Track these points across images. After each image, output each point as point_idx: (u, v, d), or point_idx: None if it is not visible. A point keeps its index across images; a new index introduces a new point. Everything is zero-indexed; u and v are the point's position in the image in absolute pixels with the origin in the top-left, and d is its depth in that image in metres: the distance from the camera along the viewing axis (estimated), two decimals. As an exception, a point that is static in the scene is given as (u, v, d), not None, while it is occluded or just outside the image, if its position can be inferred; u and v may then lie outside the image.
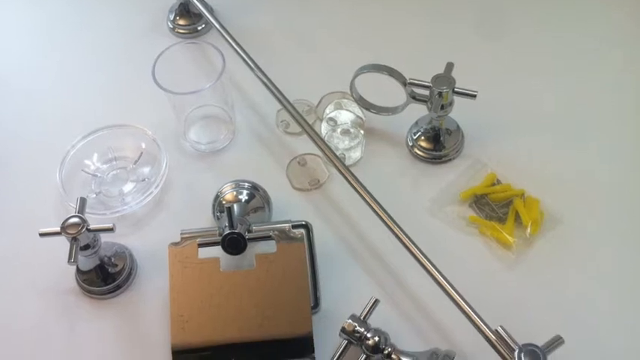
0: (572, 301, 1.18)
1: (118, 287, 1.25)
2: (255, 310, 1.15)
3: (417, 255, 1.13)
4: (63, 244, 1.16)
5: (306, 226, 1.26)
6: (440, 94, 1.27)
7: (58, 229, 1.15)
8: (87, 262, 1.23)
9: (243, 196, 1.26)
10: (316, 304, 1.20)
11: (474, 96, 1.26)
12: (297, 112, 1.32)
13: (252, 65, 1.38)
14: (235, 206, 1.23)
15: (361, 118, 1.41)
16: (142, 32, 1.63)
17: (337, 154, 1.28)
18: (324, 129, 1.40)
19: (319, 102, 1.44)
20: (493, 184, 1.31)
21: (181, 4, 1.60)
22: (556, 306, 1.18)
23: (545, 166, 1.34)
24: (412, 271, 1.15)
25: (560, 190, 1.30)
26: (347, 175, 1.23)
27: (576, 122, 1.39)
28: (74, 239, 1.15)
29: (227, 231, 1.15)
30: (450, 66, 1.28)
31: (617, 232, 1.26)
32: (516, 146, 1.37)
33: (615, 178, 1.32)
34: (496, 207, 1.28)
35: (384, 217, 1.18)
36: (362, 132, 1.38)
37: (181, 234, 1.20)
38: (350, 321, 1.09)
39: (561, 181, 1.31)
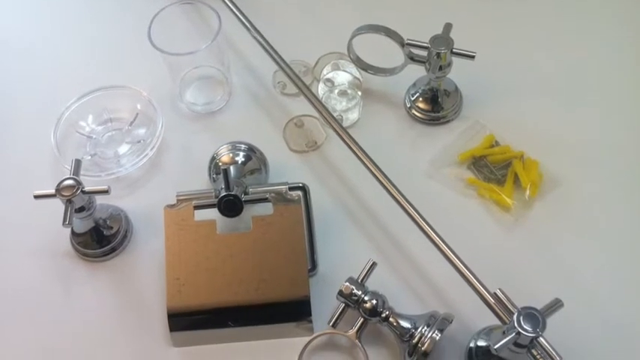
0: (571, 263, 1.18)
1: (113, 250, 1.25)
2: (252, 273, 1.14)
3: (414, 217, 1.13)
4: (58, 206, 1.15)
5: (303, 188, 1.26)
6: (438, 54, 1.26)
7: (52, 191, 1.15)
8: (82, 225, 1.23)
9: (240, 158, 1.25)
10: (313, 267, 1.19)
11: (473, 57, 1.25)
12: (294, 73, 1.31)
13: (249, 26, 1.37)
14: (232, 168, 1.22)
15: (359, 79, 1.40)
16: (137, -8, 1.61)
17: (334, 115, 1.27)
18: (321, 90, 1.39)
19: (316, 63, 1.44)
20: (492, 146, 1.30)
21: (176, -37, 1.59)
22: (555, 269, 1.18)
23: (544, 127, 1.33)
24: (410, 233, 1.15)
25: (560, 152, 1.29)
26: (344, 137, 1.22)
27: (576, 83, 1.39)
28: (69, 201, 1.14)
29: (223, 193, 1.14)
30: (448, 26, 1.27)
31: (617, 194, 1.25)
32: (516, 107, 1.36)
33: (615, 139, 1.31)
34: (495, 169, 1.28)
35: (381, 179, 1.17)
36: (359, 93, 1.37)
37: (177, 196, 1.20)
38: (347, 284, 1.09)
39: (561, 143, 1.30)
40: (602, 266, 1.18)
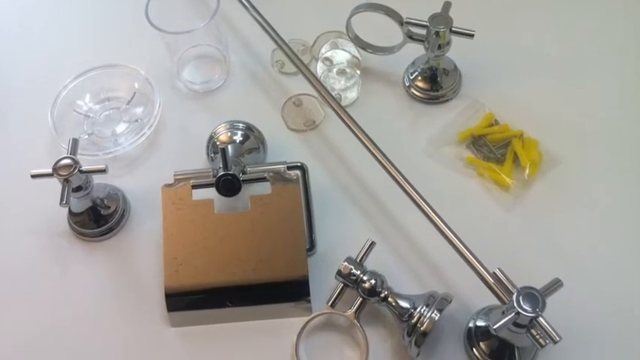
0: (571, 243, 1.18)
1: (111, 229, 1.24)
2: (250, 253, 1.14)
3: (413, 196, 1.12)
4: (55, 185, 1.14)
5: (302, 168, 1.25)
6: (437, 33, 1.25)
7: (49, 170, 1.14)
8: (79, 204, 1.22)
9: (238, 137, 1.25)
10: (312, 247, 1.19)
11: (472, 35, 1.24)
12: (292, 51, 1.30)
13: (247, 4, 1.36)
14: (230, 147, 1.22)
15: (357, 58, 1.39)
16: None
17: (333, 94, 1.26)
18: (319, 69, 1.38)
19: (315, 41, 1.43)
20: (491, 125, 1.30)
21: (174, -59, 1.58)
22: (555, 248, 1.17)
23: (544, 106, 1.32)
24: (409, 213, 1.14)
25: (560, 131, 1.29)
26: (343, 116, 1.22)
27: (577, 62, 1.38)
28: (66, 181, 1.14)
29: (221, 172, 1.14)
30: (447, 5, 1.27)
31: (617, 173, 1.25)
32: (515, 86, 1.35)
33: (615, 118, 1.31)
34: (494, 148, 1.27)
35: (380, 158, 1.16)
36: (358, 72, 1.36)
37: (175, 175, 1.19)
38: (346, 263, 1.08)
39: (561, 122, 1.30)
40: (601, 245, 1.18)
